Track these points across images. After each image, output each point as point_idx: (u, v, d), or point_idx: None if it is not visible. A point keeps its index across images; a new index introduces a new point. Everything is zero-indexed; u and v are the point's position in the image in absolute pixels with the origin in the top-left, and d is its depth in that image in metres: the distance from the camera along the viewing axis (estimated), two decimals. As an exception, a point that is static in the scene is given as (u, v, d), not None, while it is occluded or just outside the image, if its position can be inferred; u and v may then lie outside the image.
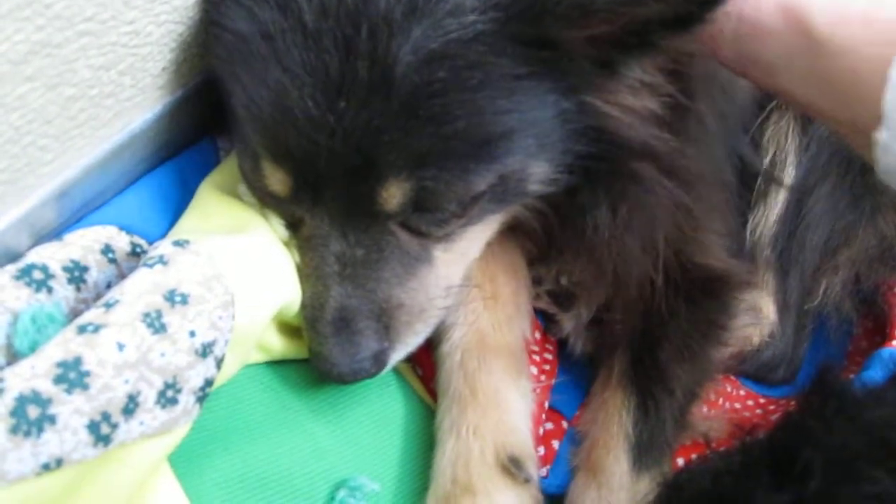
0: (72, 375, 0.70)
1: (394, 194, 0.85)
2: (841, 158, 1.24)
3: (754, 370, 1.29)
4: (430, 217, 0.89)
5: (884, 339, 1.31)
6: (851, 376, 1.25)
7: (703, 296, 1.14)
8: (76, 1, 0.75)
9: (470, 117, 0.82)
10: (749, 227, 1.24)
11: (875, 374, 1.20)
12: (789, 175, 1.24)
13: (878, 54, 0.77)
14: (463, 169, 0.85)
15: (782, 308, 1.25)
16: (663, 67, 0.91)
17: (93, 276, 0.88)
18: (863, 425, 0.91)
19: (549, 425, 1.14)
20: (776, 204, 1.24)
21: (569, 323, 1.21)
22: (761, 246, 1.24)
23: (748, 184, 1.24)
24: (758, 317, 1.23)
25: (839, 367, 1.29)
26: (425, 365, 1.10)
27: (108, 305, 0.77)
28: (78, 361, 0.71)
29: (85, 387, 0.71)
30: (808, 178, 1.24)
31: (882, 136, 0.79)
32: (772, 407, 1.28)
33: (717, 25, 0.85)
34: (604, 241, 1.00)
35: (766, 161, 1.25)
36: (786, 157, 1.24)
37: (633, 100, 0.90)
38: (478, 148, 0.85)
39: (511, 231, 1.08)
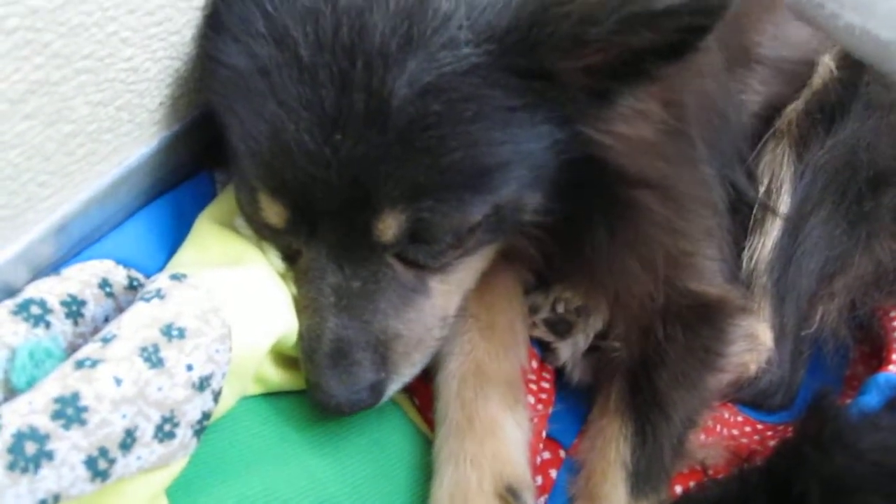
0: (69, 411, 0.70)
1: (390, 226, 0.85)
2: (836, 186, 1.25)
3: (751, 397, 1.29)
4: (427, 248, 0.90)
5: (880, 364, 1.31)
6: (848, 401, 1.25)
7: (700, 323, 1.14)
8: (74, 39, 0.76)
9: (465, 149, 0.83)
10: (746, 254, 1.25)
11: (871, 399, 1.20)
12: (785, 203, 1.24)
13: None
14: (459, 200, 0.86)
15: (779, 335, 1.25)
16: (657, 95, 0.92)
17: (90, 311, 0.88)
18: (859, 451, 0.91)
19: (547, 454, 1.14)
20: (772, 231, 1.25)
21: (566, 351, 1.21)
22: (758, 273, 1.24)
23: (742, 212, 1.24)
24: (755, 343, 1.23)
25: (835, 393, 1.29)
26: (422, 395, 1.10)
27: (106, 340, 0.77)
28: (75, 397, 0.71)
29: (82, 422, 0.71)
30: (803, 205, 1.24)
31: None
32: (769, 433, 1.28)
33: None
34: (604, 263, 1.01)
35: (762, 189, 1.26)
36: (781, 184, 1.25)
37: (627, 128, 0.91)
38: (473, 179, 0.85)
39: (507, 260, 1.09)
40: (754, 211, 1.25)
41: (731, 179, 1.19)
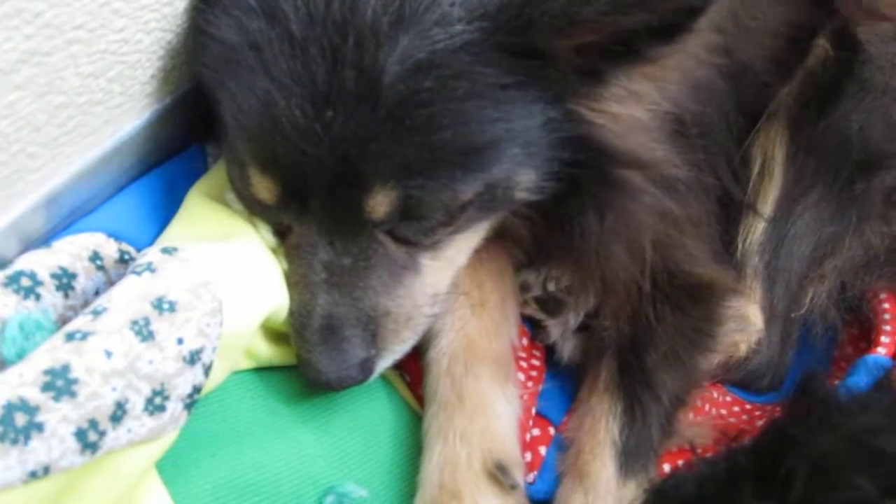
0: (59, 383, 0.70)
1: (381, 203, 0.85)
2: (828, 168, 1.24)
3: (740, 379, 1.30)
4: (417, 225, 0.90)
5: (869, 346, 1.32)
6: (837, 382, 1.26)
7: (690, 303, 1.15)
8: (66, 10, 0.75)
9: (456, 126, 0.83)
10: (739, 236, 1.25)
11: (859, 380, 1.21)
12: (776, 185, 1.24)
13: None
14: (450, 178, 0.86)
15: (769, 317, 1.25)
16: (650, 77, 0.92)
17: (81, 284, 0.88)
18: (846, 432, 0.92)
19: (536, 431, 1.14)
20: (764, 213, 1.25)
21: (556, 329, 1.21)
22: (749, 255, 1.24)
23: (730, 201, 1.24)
24: (744, 324, 1.23)
25: (824, 375, 1.29)
26: (413, 371, 1.10)
27: (96, 313, 0.77)
28: (66, 369, 0.71)
29: (73, 394, 0.71)
30: (795, 187, 1.24)
31: None
32: (758, 413, 1.29)
33: None
34: (591, 247, 1.01)
35: (755, 171, 1.25)
36: (774, 166, 1.25)
37: (619, 108, 0.91)
38: (464, 157, 0.85)
39: (499, 238, 1.09)
40: (746, 195, 1.26)
41: (717, 174, 1.19)
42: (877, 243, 1.29)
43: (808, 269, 1.27)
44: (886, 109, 1.26)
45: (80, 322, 0.76)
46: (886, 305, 1.35)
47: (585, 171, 0.94)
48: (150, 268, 0.83)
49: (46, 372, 0.70)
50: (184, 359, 0.80)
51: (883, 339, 1.31)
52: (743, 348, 1.25)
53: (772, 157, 1.24)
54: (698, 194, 1.11)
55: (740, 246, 1.24)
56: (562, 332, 1.21)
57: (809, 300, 1.29)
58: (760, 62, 1.22)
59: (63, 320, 0.83)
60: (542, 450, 1.13)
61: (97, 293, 0.89)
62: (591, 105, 0.90)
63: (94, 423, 0.72)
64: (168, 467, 0.84)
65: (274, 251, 0.95)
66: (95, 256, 0.91)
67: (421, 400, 1.07)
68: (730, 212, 1.25)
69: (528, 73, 0.85)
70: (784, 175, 1.24)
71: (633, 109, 0.92)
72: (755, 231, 1.24)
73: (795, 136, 1.24)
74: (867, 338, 1.35)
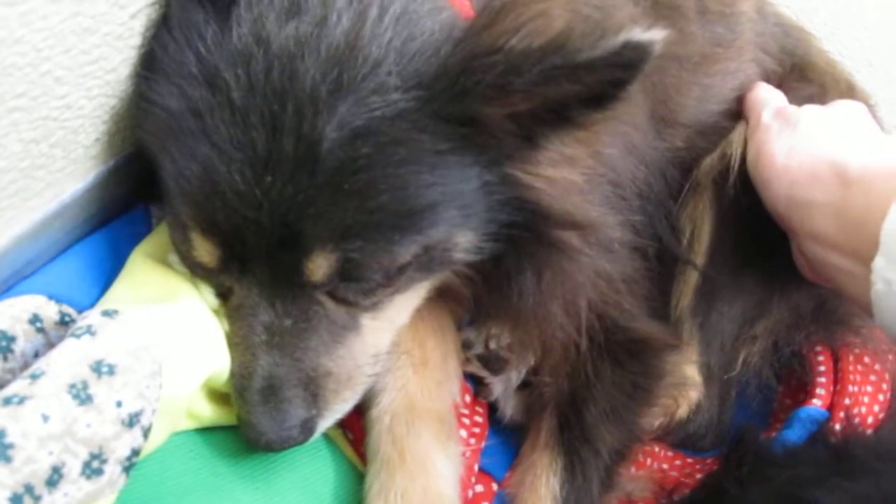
0: (-5, 448, 0.70)
1: (320, 265, 0.86)
2: (750, 237, 1.28)
3: (681, 440, 1.32)
4: (357, 287, 0.91)
5: (807, 398, 1.35)
6: (774, 434, 1.28)
7: (628, 358, 1.17)
8: (7, 79, 0.76)
9: (394, 191, 0.84)
10: (672, 301, 1.28)
11: (793, 433, 1.24)
12: (703, 253, 1.27)
13: (888, 189, 0.98)
14: (388, 240, 0.87)
15: (706, 378, 1.28)
16: (584, 142, 0.95)
17: (20, 346, 0.88)
18: (777, 485, 0.94)
19: (480, 487, 1.15)
20: (693, 277, 1.28)
21: (499, 387, 1.23)
22: (684, 318, 1.27)
23: (669, 259, 1.27)
24: (683, 380, 1.26)
25: (758, 429, 1.32)
26: (355, 429, 1.11)
27: (34, 377, 0.77)
28: (2, 434, 0.71)
29: (8, 459, 0.70)
30: (719, 252, 1.27)
31: (878, 262, 0.95)
32: (698, 466, 1.31)
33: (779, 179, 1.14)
34: (528, 308, 1.02)
35: (685, 240, 1.29)
36: (702, 234, 1.28)
37: (553, 171, 0.94)
38: (402, 220, 0.87)
39: (440, 296, 1.10)
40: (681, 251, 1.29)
41: (657, 231, 1.22)
42: (804, 304, 1.33)
43: (740, 331, 1.31)
44: None
45: (17, 386, 0.76)
46: (821, 358, 1.39)
47: (523, 232, 0.96)
48: (89, 331, 0.83)
49: (-18, 437, 0.70)
50: (122, 422, 0.80)
51: (818, 391, 1.34)
52: (683, 406, 1.27)
53: (700, 227, 1.28)
54: (635, 253, 1.14)
55: (673, 312, 1.27)
56: (504, 389, 1.23)
57: (743, 360, 1.32)
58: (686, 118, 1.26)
59: (1, 383, 0.83)
60: (485, 506, 1.14)
61: (37, 355, 0.89)
62: (527, 169, 0.92)
63: (29, 489, 0.71)
64: (106, 530, 0.84)
65: (216, 312, 0.95)
66: (35, 319, 0.91)
67: (364, 458, 1.08)
68: (669, 268, 1.28)
69: (464, 139, 0.87)
70: (710, 243, 1.27)
71: (568, 173, 0.95)
72: (686, 295, 1.27)
73: (719, 210, 1.27)
74: (805, 390, 1.38)
